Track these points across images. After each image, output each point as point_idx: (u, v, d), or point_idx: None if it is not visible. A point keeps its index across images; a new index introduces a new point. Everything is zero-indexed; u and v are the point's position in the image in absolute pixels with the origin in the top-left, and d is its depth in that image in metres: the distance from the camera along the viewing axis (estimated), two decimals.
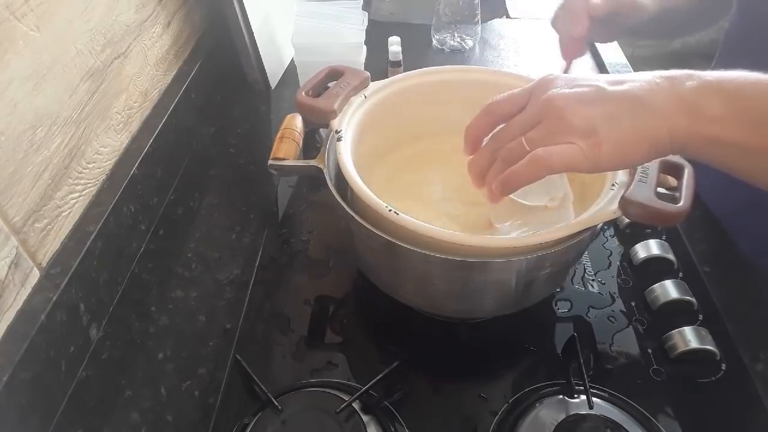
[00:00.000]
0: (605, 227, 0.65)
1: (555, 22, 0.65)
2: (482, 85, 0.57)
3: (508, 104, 0.42)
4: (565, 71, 0.65)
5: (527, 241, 0.43)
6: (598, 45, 0.97)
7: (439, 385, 0.51)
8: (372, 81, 0.57)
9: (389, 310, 0.55)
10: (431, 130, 0.61)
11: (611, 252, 0.62)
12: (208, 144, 0.80)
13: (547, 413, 0.46)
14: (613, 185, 0.44)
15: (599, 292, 0.58)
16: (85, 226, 0.55)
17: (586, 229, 0.43)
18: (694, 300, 0.55)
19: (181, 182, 0.73)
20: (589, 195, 0.48)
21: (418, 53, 0.99)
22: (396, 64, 0.86)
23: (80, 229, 0.55)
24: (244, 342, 0.54)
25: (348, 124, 0.53)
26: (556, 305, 0.57)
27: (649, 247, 0.59)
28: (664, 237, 0.62)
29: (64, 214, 0.53)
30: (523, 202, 0.47)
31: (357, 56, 0.84)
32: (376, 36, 0.93)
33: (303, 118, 0.60)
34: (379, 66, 0.88)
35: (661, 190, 0.42)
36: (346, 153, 0.49)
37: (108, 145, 0.61)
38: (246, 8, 0.79)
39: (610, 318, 0.56)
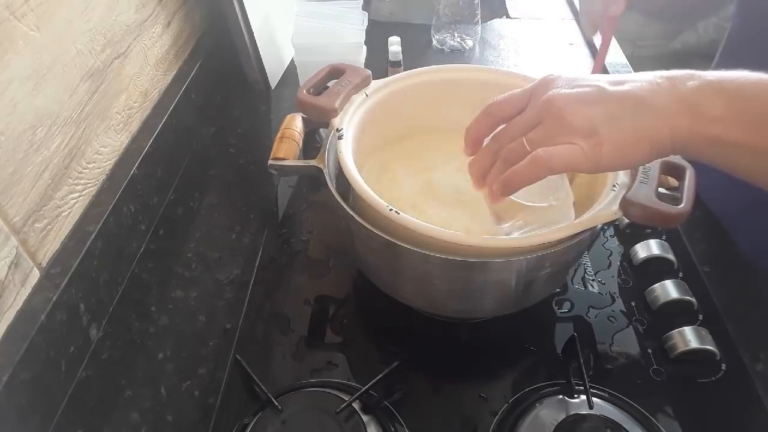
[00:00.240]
0: (605, 227, 0.65)
1: (584, 2, 0.64)
2: (483, 84, 0.57)
3: (509, 105, 0.42)
4: (602, 52, 0.63)
5: (527, 241, 0.43)
6: (599, 44, 0.97)
7: (439, 385, 0.51)
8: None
9: (389, 310, 0.55)
10: (432, 128, 0.60)
11: (611, 252, 0.62)
12: (208, 144, 0.80)
13: (547, 413, 0.46)
14: (614, 186, 0.44)
15: (599, 292, 0.58)
16: (85, 226, 0.55)
17: (586, 230, 0.43)
18: (694, 300, 0.55)
19: (181, 182, 0.73)
20: (589, 196, 0.48)
21: (418, 53, 0.99)
22: (396, 64, 0.86)
23: (80, 229, 0.55)
24: (244, 342, 0.54)
25: (349, 123, 0.53)
26: (556, 305, 0.57)
27: (649, 247, 0.59)
28: (664, 237, 0.62)
29: (64, 214, 0.53)
30: (524, 202, 0.47)
31: (357, 56, 0.84)
32: (376, 36, 0.93)
33: (303, 118, 0.60)
34: (379, 66, 0.88)
35: (662, 190, 0.42)
36: (347, 151, 0.49)
37: (108, 145, 0.61)
38: (246, 8, 0.79)
39: (610, 318, 0.56)
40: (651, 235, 0.62)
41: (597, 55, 0.64)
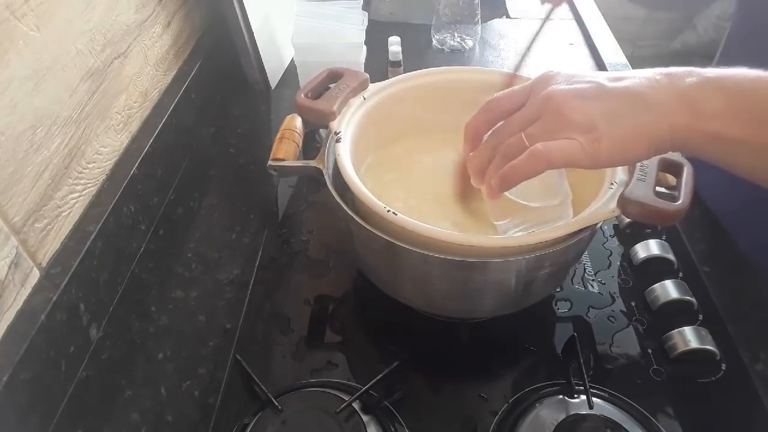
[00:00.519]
0: (603, 226, 0.65)
1: None
2: (481, 86, 0.57)
3: (508, 101, 0.42)
4: (547, 17, 0.62)
5: (527, 240, 0.43)
6: (599, 44, 0.97)
7: (439, 385, 0.51)
8: (371, 82, 0.57)
9: (389, 310, 0.55)
10: (430, 130, 0.60)
11: (611, 252, 0.62)
12: (208, 144, 0.80)
13: (547, 413, 0.46)
14: (611, 184, 0.44)
15: (599, 292, 0.58)
16: (85, 226, 0.55)
17: (585, 228, 0.43)
18: (694, 300, 0.55)
19: (181, 182, 0.73)
20: (587, 194, 0.48)
21: (418, 53, 0.99)
22: (396, 64, 0.86)
23: (80, 229, 0.55)
24: (244, 342, 0.54)
25: (347, 126, 0.53)
26: (556, 305, 0.57)
27: (649, 247, 0.59)
28: (664, 237, 0.62)
29: (64, 214, 0.53)
30: (522, 202, 0.47)
31: (357, 56, 0.84)
32: (376, 36, 0.93)
33: (303, 119, 0.60)
34: (379, 66, 0.89)
35: (660, 189, 0.42)
36: (345, 154, 0.49)
37: (108, 145, 0.61)
38: (246, 8, 0.79)
39: (610, 318, 0.56)
40: (651, 235, 0.62)
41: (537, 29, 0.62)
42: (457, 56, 0.99)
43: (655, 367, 0.51)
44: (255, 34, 0.82)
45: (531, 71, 0.60)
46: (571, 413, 0.46)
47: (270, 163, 0.54)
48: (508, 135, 0.40)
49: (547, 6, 0.62)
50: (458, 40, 0.99)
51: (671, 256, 0.59)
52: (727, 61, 0.39)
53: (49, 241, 0.51)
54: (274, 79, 0.91)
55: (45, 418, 0.47)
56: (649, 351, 0.52)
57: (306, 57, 0.85)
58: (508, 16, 1.11)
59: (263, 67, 0.87)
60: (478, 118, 0.43)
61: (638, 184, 0.41)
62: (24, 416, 0.45)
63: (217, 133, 0.82)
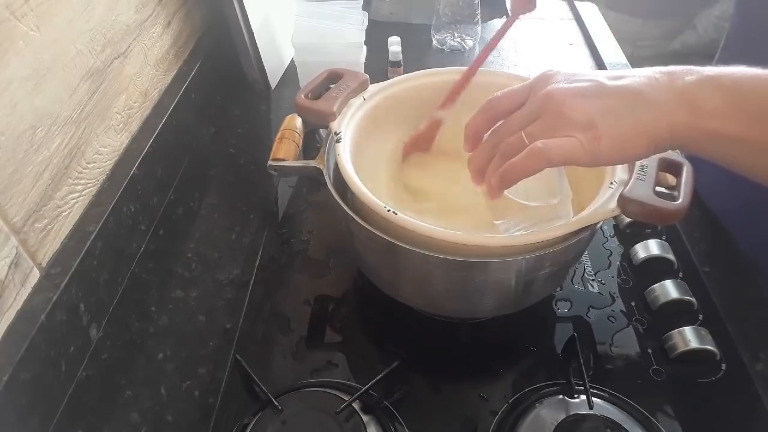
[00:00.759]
0: (603, 226, 0.65)
1: None
2: (480, 87, 0.57)
3: (508, 100, 0.42)
4: (506, 26, 0.61)
5: (527, 240, 0.43)
6: (599, 44, 0.97)
7: (439, 385, 0.51)
8: (372, 82, 0.57)
9: (389, 310, 0.55)
10: None
11: (611, 252, 0.62)
12: (208, 144, 0.80)
13: (547, 413, 0.46)
14: (611, 183, 0.44)
15: (599, 292, 0.58)
16: (85, 226, 0.55)
17: (585, 228, 0.43)
18: (694, 300, 0.55)
19: (181, 182, 0.73)
20: (587, 194, 0.48)
21: (418, 53, 0.99)
22: (396, 64, 0.86)
23: (80, 229, 0.55)
24: (244, 342, 0.54)
25: (347, 126, 0.53)
26: (556, 305, 0.57)
27: (649, 247, 0.59)
28: (664, 237, 0.62)
29: (64, 214, 0.53)
30: (523, 202, 0.47)
31: (357, 56, 0.84)
32: (376, 36, 0.93)
33: (303, 120, 0.60)
34: (379, 66, 0.89)
35: (659, 188, 0.42)
36: (345, 154, 0.49)
37: (108, 145, 0.61)
38: (246, 8, 0.79)
39: (610, 318, 0.56)
40: (651, 235, 0.62)
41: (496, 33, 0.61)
42: (457, 56, 0.99)
43: (655, 367, 0.51)
44: (255, 34, 0.82)
45: (531, 71, 0.60)
46: (571, 413, 0.46)
47: (270, 163, 0.54)
48: (508, 134, 0.40)
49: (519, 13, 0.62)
50: (458, 40, 0.99)
51: (671, 256, 0.59)
52: (726, 61, 0.39)
53: (49, 241, 0.51)
54: (274, 79, 0.91)
55: (45, 418, 0.47)
56: (649, 351, 0.52)
57: (306, 57, 0.85)
58: (508, 16, 1.11)
59: (263, 67, 0.87)
60: (478, 117, 0.43)
61: (638, 184, 0.41)
62: (24, 416, 0.45)
63: (217, 133, 0.82)
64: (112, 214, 0.57)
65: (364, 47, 0.87)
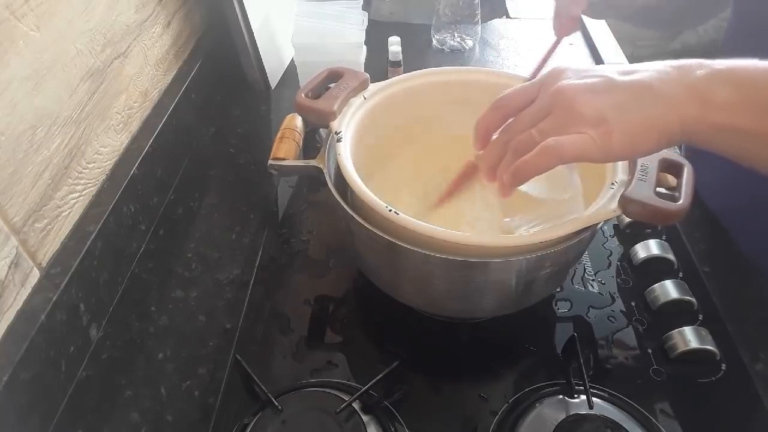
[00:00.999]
0: (603, 226, 0.65)
1: (556, 1, 0.64)
2: (481, 86, 0.57)
3: (518, 97, 0.42)
4: (553, 47, 0.64)
5: (527, 240, 0.43)
6: (599, 44, 0.97)
7: (439, 385, 0.51)
8: (371, 82, 0.57)
9: (389, 310, 0.55)
10: (430, 131, 0.60)
11: (611, 252, 0.62)
12: (208, 144, 0.80)
13: (547, 413, 0.46)
14: (612, 184, 0.44)
15: (599, 292, 0.58)
16: (85, 226, 0.55)
17: (585, 228, 0.43)
18: (694, 300, 0.55)
19: (181, 182, 0.73)
20: (588, 194, 0.48)
21: (418, 53, 0.99)
22: (396, 64, 0.86)
23: (80, 229, 0.55)
24: (244, 342, 0.54)
25: (347, 126, 0.53)
26: (556, 305, 0.57)
27: (649, 247, 0.59)
28: (664, 237, 0.62)
29: (64, 214, 0.53)
30: (534, 194, 0.47)
31: (357, 56, 0.84)
32: (376, 36, 0.93)
33: (303, 119, 0.60)
34: (379, 66, 0.88)
35: (660, 189, 0.42)
36: (345, 154, 0.49)
37: (108, 145, 0.61)
38: (246, 8, 0.79)
39: (610, 318, 0.56)
40: (651, 235, 0.62)
41: (544, 54, 0.63)
42: (457, 56, 0.99)
43: (655, 367, 0.51)
44: (255, 34, 0.82)
45: (531, 71, 0.60)
46: (571, 413, 0.46)
47: (270, 162, 0.54)
48: (519, 131, 0.40)
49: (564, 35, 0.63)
50: (458, 40, 0.99)
51: (671, 256, 0.59)
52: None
53: (49, 241, 0.51)
54: (274, 79, 0.91)
55: (45, 418, 0.47)
56: (649, 351, 0.52)
57: (306, 57, 0.85)
58: (508, 16, 1.11)
59: (263, 67, 0.87)
60: (489, 115, 0.43)
61: (639, 184, 0.41)
62: (24, 416, 0.45)
63: (217, 133, 0.82)
64: (112, 214, 0.57)
65: (364, 47, 0.87)
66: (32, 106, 0.48)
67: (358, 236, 0.49)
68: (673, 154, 0.44)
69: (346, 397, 0.46)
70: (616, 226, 0.65)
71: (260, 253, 0.63)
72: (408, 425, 0.47)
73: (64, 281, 0.49)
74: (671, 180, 0.44)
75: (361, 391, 0.46)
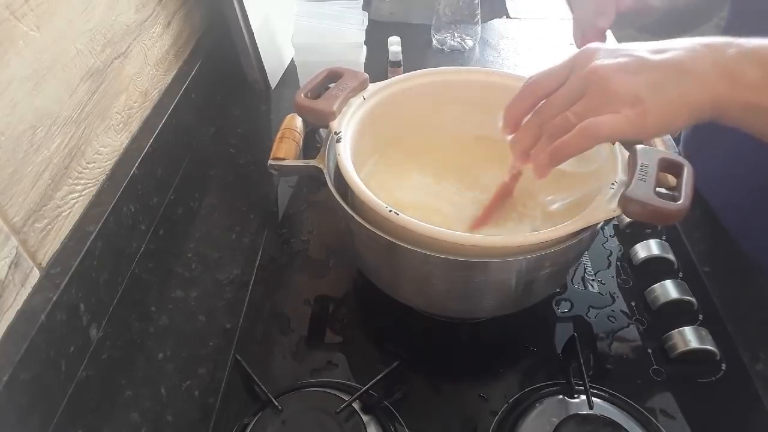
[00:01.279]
0: (604, 226, 0.65)
1: (577, 12, 0.64)
2: (481, 86, 0.57)
3: (549, 80, 0.42)
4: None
5: (528, 240, 0.43)
6: None
7: (439, 385, 0.51)
8: (371, 82, 0.57)
9: (389, 310, 0.55)
10: (430, 130, 0.60)
11: (611, 252, 0.62)
12: (208, 144, 0.80)
13: (547, 413, 0.46)
14: (612, 184, 0.44)
15: (599, 292, 0.58)
16: (85, 226, 0.55)
17: (586, 228, 0.43)
18: (694, 300, 0.55)
19: (181, 182, 0.73)
20: (588, 194, 0.48)
21: (418, 53, 0.99)
22: (396, 64, 0.86)
23: (80, 229, 0.55)
24: (244, 342, 0.54)
25: (347, 126, 0.53)
26: (556, 305, 0.57)
27: (649, 247, 0.59)
28: (664, 237, 0.62)
29: (64, 214, 0.53)
30: (569, 169, 0.47)
31: (357, 56, 0.84)
32: (376, 36, 0.93)
33: (302, 119, 0.60)
34: (379, 66, 0.89)
35: (660, 189, 0.42)
36: (345, 154, 0.49)
37: (108, 145, 0.61)
38: (246, 8, 0.79)
39: (610, 318, 0.56)
40: (651, 235, 0.62)
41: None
42: (457, 56, 0.99)
43: (655, 367, 0.51)
44: (255, 34, 0.82)
45: (531, 71, 0.60)
46: (571, 413, 0.46)
47: (270, 162, 0.54)
48: (554, 113, 0.40)
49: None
50: (458, 40, 0.99)
51: (671, 256, 0.59)
52: None
53: (49, 241, 0.51)
54: (274, 79, 0.91)
55: (45, 418, 0.47)
56: (649, 351, 0.52)
57: (306, 57, 0.85)
58: (508, 16, 1.11)
59: (263, 67, 0.87)
60: (519, 100, 0.43)
61: (639, 184, 0.41)
62: (24, 416, 0.45)
63: (217, 133, 0.82)
64: (112, 214, 0.57)
65: (364, 47, 0.87)
66: (32, 106, 0.48)
67: (358, 236, 0.49)
68: (673, 154, 0.44)
69: (346, 397, 0.46)
70: (616, 226, 0.65)
71: (260, 253, 0.63)
72: (408, 425, 0.47)
73: (64, 281, 0.49)
74: (671, 180, 0.44)
75: (361, 391, 0.46)
